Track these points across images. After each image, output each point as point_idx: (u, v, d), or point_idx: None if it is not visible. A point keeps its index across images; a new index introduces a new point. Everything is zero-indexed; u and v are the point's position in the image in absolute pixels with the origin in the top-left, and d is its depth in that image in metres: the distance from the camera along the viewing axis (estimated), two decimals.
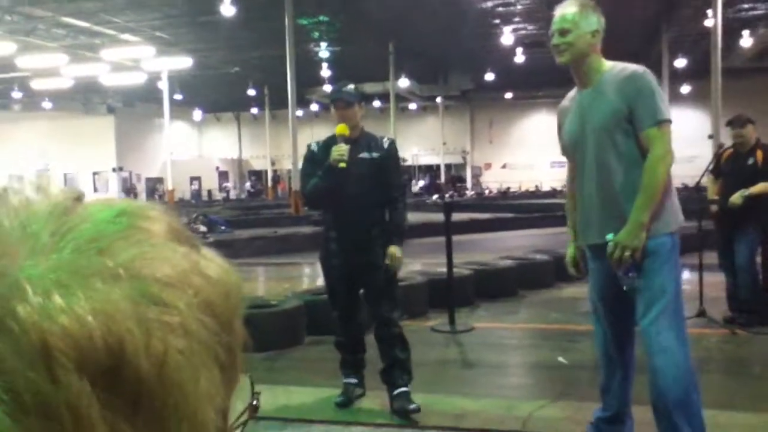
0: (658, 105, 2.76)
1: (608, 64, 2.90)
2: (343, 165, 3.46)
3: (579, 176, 2.94)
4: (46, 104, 36.25)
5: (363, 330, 3.87)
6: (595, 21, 2.88)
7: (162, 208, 0.38)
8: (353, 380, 3.81)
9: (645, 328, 2.74)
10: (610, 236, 2.75)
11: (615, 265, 2.74)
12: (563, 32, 2.85)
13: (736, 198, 5.35)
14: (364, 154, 3.60)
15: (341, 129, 3.54)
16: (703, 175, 5.86)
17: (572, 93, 3.04)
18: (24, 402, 0.27)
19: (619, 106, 2.77)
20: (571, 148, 2.98)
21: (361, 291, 3.77)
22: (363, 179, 3.56)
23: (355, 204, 3.56)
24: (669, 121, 2.78)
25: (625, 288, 2.77)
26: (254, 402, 0.42)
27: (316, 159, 3.63)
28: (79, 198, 0.36)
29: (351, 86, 3.71)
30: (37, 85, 29.38)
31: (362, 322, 3.85)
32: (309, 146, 3.76)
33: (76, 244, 0.32)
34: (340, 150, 3.48)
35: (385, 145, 3.69)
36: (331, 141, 3.60)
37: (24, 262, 0.30)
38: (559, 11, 2.88)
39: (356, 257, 3.62)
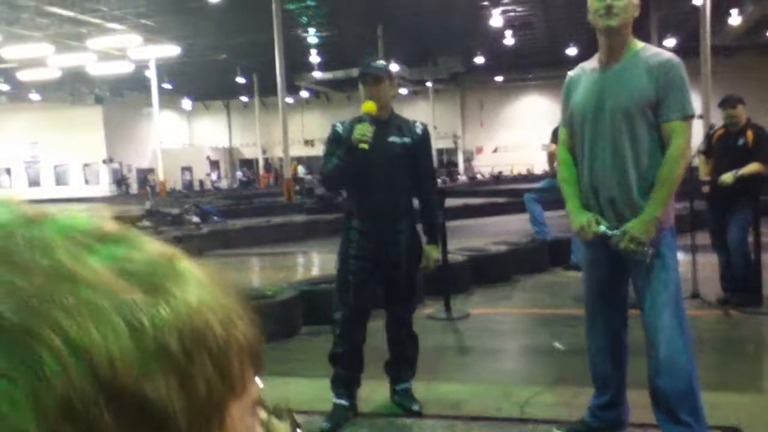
0: (686, 98, 2.70)
1: (640, 44, 2.79)
2: (364, 146, 3.13)
3: (589, 153, 2.83)
4: (34, 95, 35.96)
5: (364, 342, 3.45)
6: None
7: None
8: (345, 402, 3.38)
9: (649, 321, 2.72)
10: (616, 232, 2.73)
11: (622, 253, 2.73)
12: None
13: (728, 177, 5.37)
14: (394, 138, 3.30)
15: (368, 107, 3.21)
16: (694, 155, 5.87)
17: (589, 64, 2.89)
18: None
19: (648, 92, 2.68)
20: (579, 121, 2.86)
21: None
22: (392, 165, 3.25)
23: (382, 191, 3.26)
24: (693, 117, 2.74)
25: (636, 259, 2.75)
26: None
27: (341, 140, 3.29)
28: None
29: (380, 62, 3.48)
30: (23, 76, 29.11)
31: (365, 333, 3.44)
32: (333, 126, 3.41)
33: None
34: (364, 129, 3.15)
35: (418, 130, 3.38)
36: (357, 122, 3.28)
37: None
38: None
39: (381, 250, 3.30)
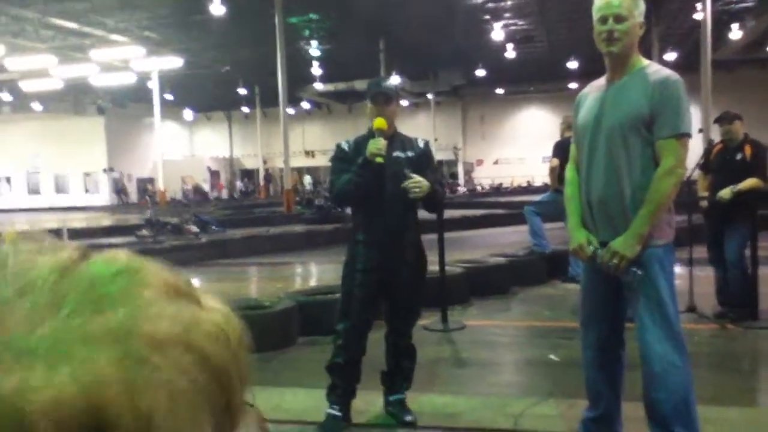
0: (682, 116, 2.69)
1: (644, 62, 2.81)
2: (380, 160, 3.25)
3: (586, 168, 2.86)
4: (36, 106, 36.06)
5: (364, 354, 3.49)
6: (643, 11, 2.77)
7: (162, 264, 0.39)
8: (338, 413, 3.44)
9: (642, 337, 2.72)
10: (600, 251, 2.75)
11: (605, 269, 2.75)
12: (619, 19, 2.70)
13: (725, 193, 5.39)
14: (399, 153, 3.40)
15: (380, 123, 3.32)
16: (693, 170, 5.90)
17: (598, 82, 2.93)
18: None
19: (642, 109, 2.69)
20: (581, 137, 2.89)
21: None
22: (398, 179, 3.34)
23: (389, 205, 3.35)
24: (689, 136, 2.72)
25: (624, 280, 2.77)
26: None
27: (348, 158, 3.39)
28: (84, 255, 0.37)
29: (390, 82, 3.60)
30: (26, 86, 29.22)
31: (366, 346, 3.49)
32: (339, 145, 3.51)
33: (72, 308, 0.33)
34: (378, 144, 3.26)
35: (421, 145, 3.52)
36: (362, 140, 3.40)
37: (16, 332, 0.32)
38: None
39: (387, 263, 3.38)
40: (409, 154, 3.43)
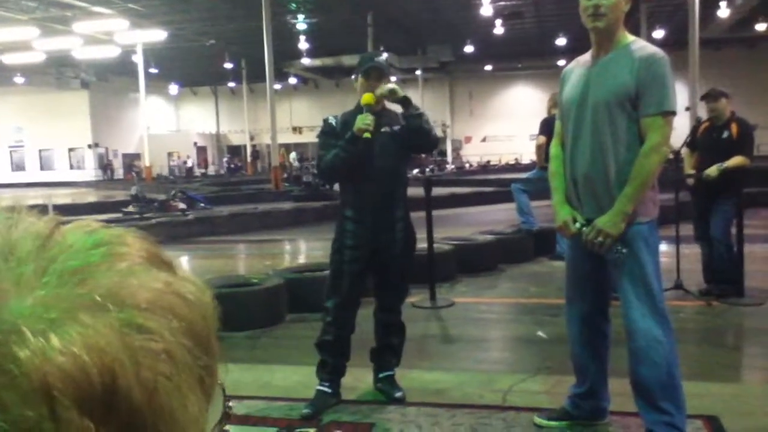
0: (667, 94, 2.69)
1: (630, 38, 2.81)
2: (368, 135, 3.22)
3: (571, 144, 2.86)
4: (18, 79, 35.50)
5: (353, 331, 3.49)
6: None
7: (139, 234, 0.39)
8: (327, 389, 3.44)
9: (626, 313, 2.75)
10: (585, 229, 2.77)
11: (590, 247, 2.77)
12: None
13: (712, 171, 5.41)
14: (386, 128, 3.39)
15: (368, 98, 3.29)
16: (681, 148, 5.91)
17: (584, 57, 2.92)
18: None
19: (628, 86, 2.69)
20: (566, 113, 2.90)
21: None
22: (386, 154, 3.34)
23: (378, 181, 3.34)
24: (674, 113, 2.73)
25: (608, 258, 2.79)
26: (227, 410, 0.42)
27: (335, 133, 3.38)
28: (59, 225, 0.37)
29: (383, 57, 3.58)
30: (8, 59, 28.75)
31: (355, 322, 3.48)
32: (326, 120, 3.49)
33: (59, 277, 0.32)
34: (366, 119, 3.23)
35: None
36: (351, 115, 3.38)
37: (11, 300, 0.31)
38: None
39: (375, 239, 3.37)
40: (395, 128, 3.42)
